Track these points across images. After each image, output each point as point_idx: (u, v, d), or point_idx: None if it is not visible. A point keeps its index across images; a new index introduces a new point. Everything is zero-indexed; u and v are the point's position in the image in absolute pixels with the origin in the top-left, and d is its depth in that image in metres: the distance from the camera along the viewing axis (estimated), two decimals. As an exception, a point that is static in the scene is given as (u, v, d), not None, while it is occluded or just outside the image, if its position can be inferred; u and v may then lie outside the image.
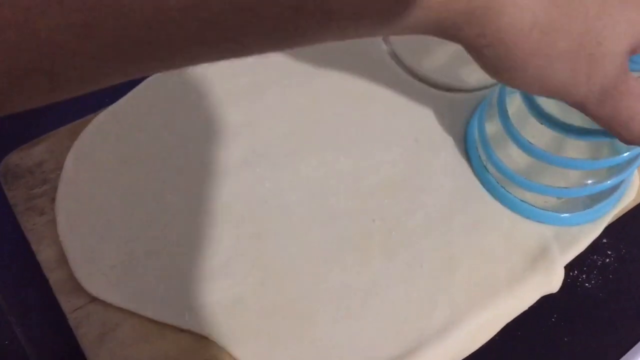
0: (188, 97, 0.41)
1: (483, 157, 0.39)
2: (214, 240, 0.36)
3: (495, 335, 0.35)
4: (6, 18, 0.16)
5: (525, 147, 0.35)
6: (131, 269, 0.35)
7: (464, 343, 0.35)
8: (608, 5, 0.26)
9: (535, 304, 0.36)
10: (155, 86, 0.42)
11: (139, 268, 0.36)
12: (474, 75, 0.42)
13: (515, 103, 0.36)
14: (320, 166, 0.39)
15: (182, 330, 0.34)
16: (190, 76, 0.42)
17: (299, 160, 0.39)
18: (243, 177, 0.39)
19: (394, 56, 0.44)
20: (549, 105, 0.33)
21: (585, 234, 0.38)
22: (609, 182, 0.36)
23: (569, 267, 0.37)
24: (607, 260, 0.39)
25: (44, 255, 0.36)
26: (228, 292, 0.35)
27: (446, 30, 0.25)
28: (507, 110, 0.36)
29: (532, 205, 0.38)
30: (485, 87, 0.42)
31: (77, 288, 0.35)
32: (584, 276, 0.39)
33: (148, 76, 0.42)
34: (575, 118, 0.32)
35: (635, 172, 0.39)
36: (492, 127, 0.38)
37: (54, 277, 0.36)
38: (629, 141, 0.29)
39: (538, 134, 0.35)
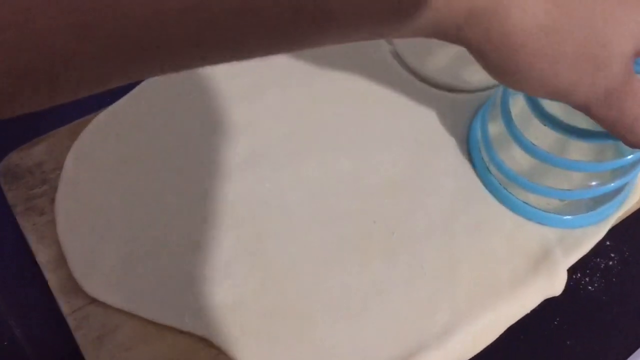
0: (188, 97, 0.41)
1: (486, 159, 0.39)
2: (214, 240, 0.36)
3: (497, 339, 0.35)
4: (6, 18, 0.16)
5: (529, 148, 0.35)
6: (131, 269, 0.35)
7: (465, 346, 0.34)
8: (613, 7, 0.26)
9: (537, 306, 0.36)
10: (156, 86, 0.41)
11: (139, 269, 0.35)
12: (477, 75, 0.42)
13: (518, 104, 0.36)
14: (320, 167, 0.39)
15: (182, 332, 0.34)
16: (190, 76, 0.42)
17: (299, 161, 0.39)
18: (243, 177, 0.38)
19: (396, 56, 0.44)
20: (553, 106, 0.33)
21: (589, 237, 0.38)
22: (612, 184, 0.36)
23: (571, 270, 0.37)
24: (611, 263, 0.39)
25: (44, 255, 0.36)
26: (228, 293, 0.35)
27: (448, 33, 0.24)
28: (510, 112, 0.36)
29: (535, 207, 0.37)
30: (488, 88, 0.42)
31: (77, 289, 0.35)
32: (587, 279, 0.38)
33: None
34: (579, 120, 0.31)
35: (639, 174, 0.39)
36: (495, 128, 0.38)
37: (53, 278, 0.36)
38: (633, 144, 0.29)
39: (541, 135, 0.35)
